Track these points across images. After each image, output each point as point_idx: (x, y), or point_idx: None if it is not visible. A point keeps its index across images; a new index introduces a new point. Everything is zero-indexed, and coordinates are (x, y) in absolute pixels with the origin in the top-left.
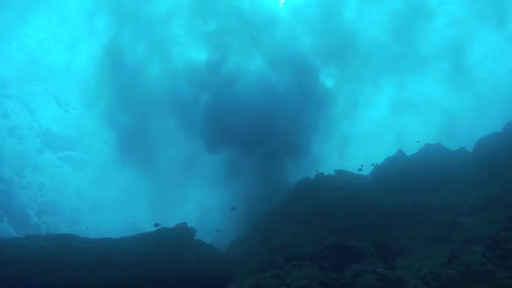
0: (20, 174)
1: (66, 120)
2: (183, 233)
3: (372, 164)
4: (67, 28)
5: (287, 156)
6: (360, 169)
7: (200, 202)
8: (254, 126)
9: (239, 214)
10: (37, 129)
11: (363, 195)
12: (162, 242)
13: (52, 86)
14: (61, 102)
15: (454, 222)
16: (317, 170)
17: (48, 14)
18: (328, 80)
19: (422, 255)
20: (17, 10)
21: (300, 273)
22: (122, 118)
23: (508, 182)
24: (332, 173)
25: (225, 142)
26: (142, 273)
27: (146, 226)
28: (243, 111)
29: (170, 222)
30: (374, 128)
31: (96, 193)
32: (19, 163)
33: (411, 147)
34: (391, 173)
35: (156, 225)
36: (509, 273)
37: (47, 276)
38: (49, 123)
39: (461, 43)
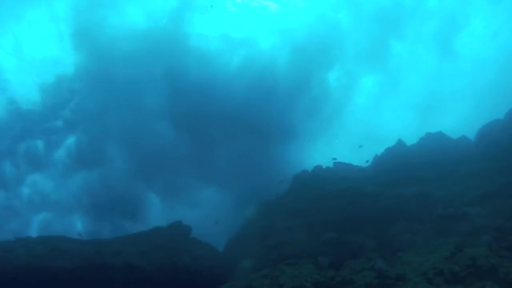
0: None
1: None
2: (177, 231)
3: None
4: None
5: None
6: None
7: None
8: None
9: (237, 210)
10: None
11: (362, 188)
12: (155, 242)
13: None
14: None
15: (457, 213)
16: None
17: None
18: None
19: (424, 250)
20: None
21: (295, 272)
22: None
23: None
24: (331, 165)
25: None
26: (134, 274)
27: None
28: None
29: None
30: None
31: None
32: None
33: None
34: (391, 164)
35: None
36: None
37: (34, 282)
38: None
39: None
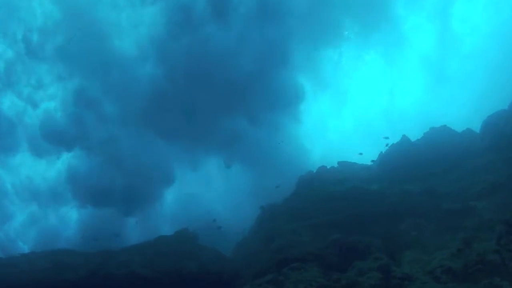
0: None
1: None
2: (183, 239)
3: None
4: None
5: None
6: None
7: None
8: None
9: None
10: None
11: (367, 186)
12: (161, 250)
13: None
14: None
15: (464, 207)
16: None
17: None
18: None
19: (431, 247)
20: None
21: (299, 276)
22: None
23: None
24: (335, 165)
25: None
26: (140, 283)
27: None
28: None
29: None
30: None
31: None
32: None
33: None
34: (396, 160)
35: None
36: None
37: None
38: None
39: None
